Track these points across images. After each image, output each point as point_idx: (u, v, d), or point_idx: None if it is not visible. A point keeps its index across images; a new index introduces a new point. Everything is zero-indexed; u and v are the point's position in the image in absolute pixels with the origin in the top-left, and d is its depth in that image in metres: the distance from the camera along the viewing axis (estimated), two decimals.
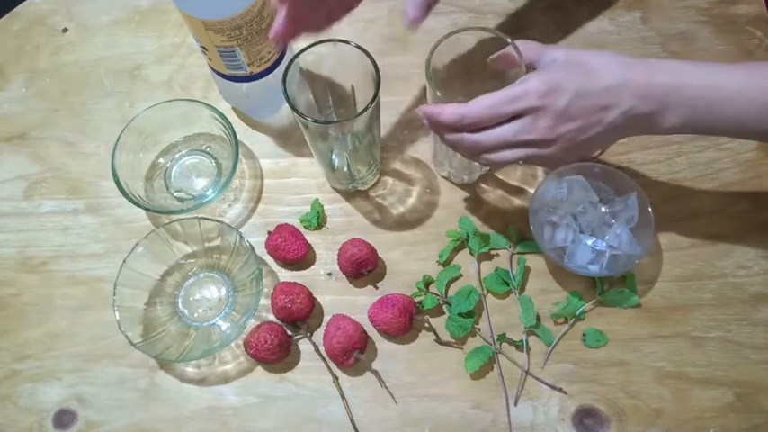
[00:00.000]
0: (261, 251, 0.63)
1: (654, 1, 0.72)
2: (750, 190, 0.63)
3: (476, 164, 0.63)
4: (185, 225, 0.62)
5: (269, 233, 0.62)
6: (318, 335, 0.60)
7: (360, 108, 0.52)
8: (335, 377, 0.59)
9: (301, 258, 0.62)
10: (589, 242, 0.58)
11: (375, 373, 0.58)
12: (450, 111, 0.49)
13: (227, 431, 0.58)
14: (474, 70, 0.56)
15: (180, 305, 0.63)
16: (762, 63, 0.50)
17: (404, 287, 0.61)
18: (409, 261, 0.63)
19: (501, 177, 0.65)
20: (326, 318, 0.61)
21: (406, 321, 0.57)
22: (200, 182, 0.68)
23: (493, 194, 0.65)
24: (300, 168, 0.68)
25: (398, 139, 0.68)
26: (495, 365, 0.58)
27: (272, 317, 0.61)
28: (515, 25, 0.72)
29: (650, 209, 0.57)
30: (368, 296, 0.61)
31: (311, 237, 0.64)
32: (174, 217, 0.62)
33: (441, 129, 0.52)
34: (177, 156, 0.69)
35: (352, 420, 0.57)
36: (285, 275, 0.63)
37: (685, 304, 0.59)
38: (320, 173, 0.67)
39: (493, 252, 0.62)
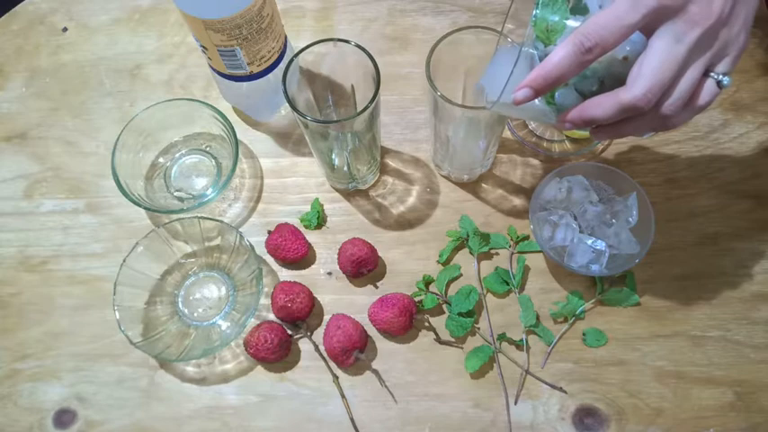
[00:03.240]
0: (261, 250, 0.63)
1: None
2: (750, 190, 0.63)
3: (476, 162, 0.63)
4: (185, 224, 0.62)
5: (269, 232, 0.63)
6: (318, 334, 0.60)
7: (360, 107, 0.52)
8: (335, 376, 0.59)
9: (301, 258, 0.62)
10: (589, 242, 0.58)
11: (375, 372, 0.58)
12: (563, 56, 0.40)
13: (227, 430, 0.58)
14: (474, 69, 0.56)
15: (180, 304, 0.63)
16: None
17: (404, 287, 0.61)
18: (409, 261, 0.63)
19: (501, 177, 0.65)
20: (326, 317, 0.61)
21: (406, 321, 0.57)
22: (200, 181, 0.68)
23: (493, 194, 0.65)
24: (300, 168, 0.68)
25: (398, 138, 0.68)
26: (495, 365, 0.58)
27: (272, 316, 0.61)
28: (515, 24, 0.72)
29: (650, 209, 0.58)
30: (368, 295, 0.61)
31: (311, 236, 0.64)
32: (174, 216, 0.62)
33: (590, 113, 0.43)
34: (177, 155, 0.69)
35: (352, 420, 0.57)
36: (285, 275, 0.63)
37: (685, 304, 0.59)
38: (320, 172, 0.67)
39: (493, 251, 0.62)
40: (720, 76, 0.42)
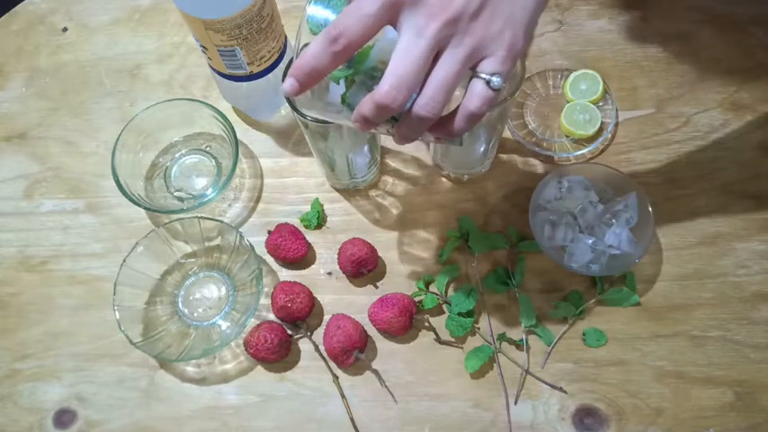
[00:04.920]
0: (261, 250, 0.63)
1: (654, 0, 0.72)
2: (750, 190, 0.63)
3: (476, 162, 0.63)
4: (185, 224, 0.62)
5: (269, 232, 0.63)
6: (318, 334, 0.60)
7: None
8: (335, 376, 0.59)
9: (301, 258, 0.62)
10: (589, 242, 0.58)
11: (375, 372, 0.58)
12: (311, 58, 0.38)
13: (227, 430, 0.58)
14: None
15: (180, 304, 0.63)
16: None
17: (404, 287, 0.61)
18: (409, 261, 0.63)
19: (501, 177, 0.65)
20: (326, 317, 0.61)
21: (406, 321, 0.57)
22: (200, 181, 0.68)
23: (493, 194, 0.65)
24: (300, 168, 0.68)
25: None
26: (495, 365, 0.58)
27: (272, 316, 0.61)
28: None
29: (650, 209, 0.58)
30: (368, 295, 0.61)
31: (311, 236, 0.64)
32: (174, 216, 0.62)
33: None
34: (177, 155, 0.69)
35: (352, 420, 0.57)
36: (285, 275, 0.63)
37: (685, 304, 0.59)
38: (320, 172, 0.67)
39: (493, 251, 0.62)
40: (488, 76, 0.39)
